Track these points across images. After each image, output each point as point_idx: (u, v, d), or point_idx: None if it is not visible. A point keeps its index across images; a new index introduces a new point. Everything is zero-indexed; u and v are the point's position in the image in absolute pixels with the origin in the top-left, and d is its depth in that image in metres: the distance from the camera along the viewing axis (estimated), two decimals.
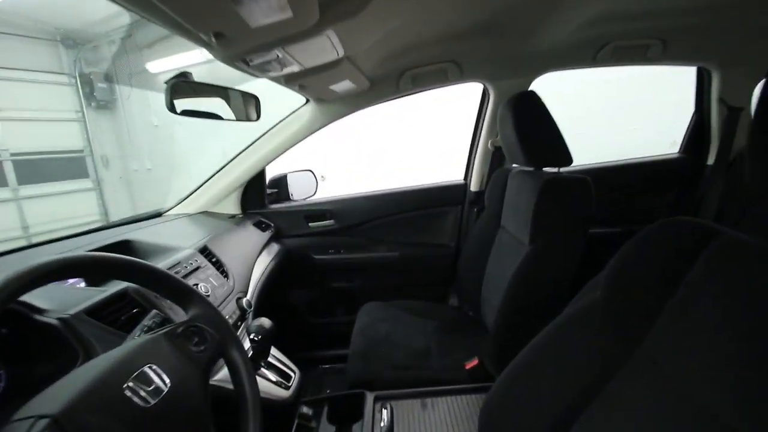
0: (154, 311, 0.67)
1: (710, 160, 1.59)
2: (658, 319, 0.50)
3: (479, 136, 1.67)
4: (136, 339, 0.55)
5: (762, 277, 0.41)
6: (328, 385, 1.60)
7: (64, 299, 0.70)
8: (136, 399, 0.46)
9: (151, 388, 0.48)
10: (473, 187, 1.71)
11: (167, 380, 0.51)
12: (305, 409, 1.07)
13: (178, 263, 0.96)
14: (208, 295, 0.94)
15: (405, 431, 0.95)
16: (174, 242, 1.12)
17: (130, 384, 0.46)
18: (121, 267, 0.55)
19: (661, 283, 0.51)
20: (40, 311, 0.65)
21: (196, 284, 0.93)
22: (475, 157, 1.70)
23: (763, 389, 0.37)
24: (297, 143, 1.57)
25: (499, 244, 1.38)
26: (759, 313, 0.40)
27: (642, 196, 1.68)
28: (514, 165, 1.44)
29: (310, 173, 1.91)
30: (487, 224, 1.46)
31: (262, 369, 0.94)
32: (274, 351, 1.03)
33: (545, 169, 1.14)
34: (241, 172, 1.58)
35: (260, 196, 1.72)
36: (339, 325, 1.76)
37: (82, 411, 0.41)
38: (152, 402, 0.47)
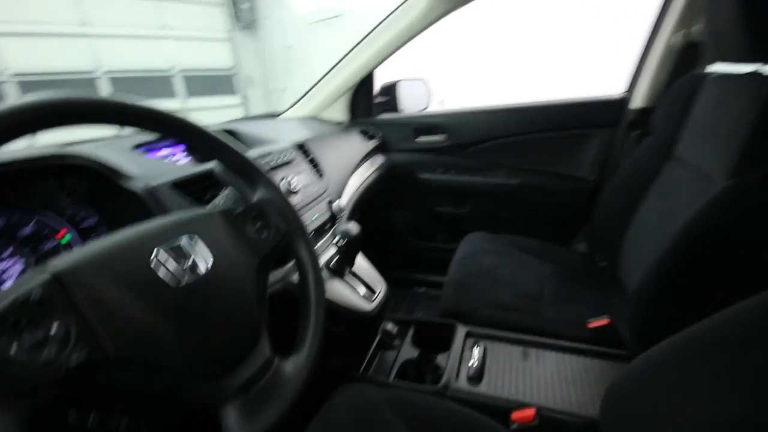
0: (230, 188, 0.60)
1: None
2: None
3: (659, 30, 1.19)
4: (183, 210, 0.48)
5: None
6: (421, 308, 1.53)
7: (155, 170, 0.69)
8: (162, 273, 0.38)
9: (186, 264, 0.40)
10: (637, 102, 1.27)
11: (210, 259, 0.43)
12: (390, 326, 1.00)
13: (270, 153, 0.90)
14: (296, 191, 0.87)
15: (498, 378, 0.80)
16: (274, 136, 1.07)
17: (160, 255, 0.39)
18: (172, 125, 0.47)
19: None
20: (128, 178, 0.64)
21: (284, 178, 0.86)
22: (646, 60, 1.24)
23: None
24: (410, 40, 1.34)
25: (668, 180, 1.01)
26: None
27: None
28: (712, 68, 0.99)
29: (423, 83, 1.68)
30: (652, 153, 1.07)
31: (347, 277, 0.87)
32: (362, 262, 0.95)
33: None
34: (347, 75, 1.44)
35: (368, 104, 1.58)
36: (439, 251, 1.63)
37: (92, 274, 0.34)
38: (183, 281, 0.39)
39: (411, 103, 1.66)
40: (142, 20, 5.65)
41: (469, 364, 0.83)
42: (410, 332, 0.99)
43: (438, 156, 1.56)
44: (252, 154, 0.86)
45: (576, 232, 1.49)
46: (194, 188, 0.68)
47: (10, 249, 0.55)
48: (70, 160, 0.60)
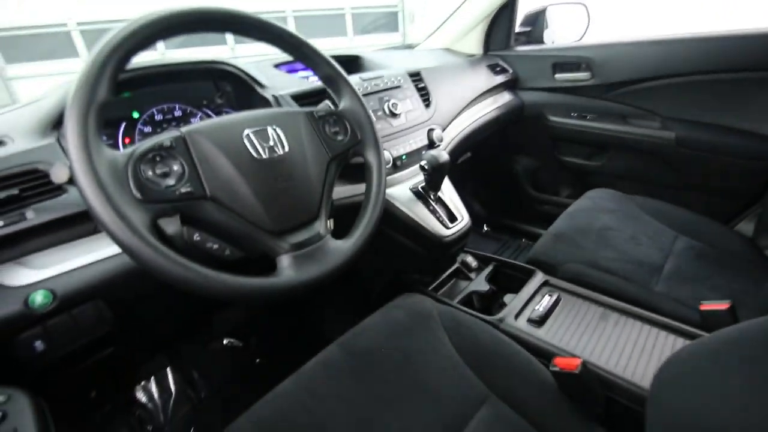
0: (326, 102, 0.71)
1: None
2: None
3: None
4: (277, 108, 0.60)
5: None
6: (515, 255, 1.49)
7: (284, 83, 0.84)
8: (249, 146, 0.51)
9: (267, 144, 0.52)
10: None
11: (286, 145, 0.54)
12: (470, 259, 1.03)
13: (380, 77, 0.96)
14: (398, 114, 0.93)
15: (560, 328, 0.77)
16: (395, 64, 1.13)
17: (249, 133, 0.52)
18: (275, 34, 0.57)
19: None
20: (262, 86, 0.81)
21: (388, 100, 0.92)
22: None
23: None
24: None
25: None
26: None
27: None
28: None
29: (583, 7, 1.43)
30: None
31: (431, 201, 0.91)
32: (450, 192, 0.98)
33: None
34: (483, 3, 1.35)
35: (506, 34, 1.46)
36: (559, 205, 1.50)
37: (203, 137, 0.49)
38: (263, 156, 0.52)
39: (562, 33, 1.46)
40: None
41: (535, 308, 0.81)
42: (488, 269, 1.00)
43: (575, 97, 1.37)
44: (364, 76, 0.95)
45: (743, 210, 1.16)
46: (310, 99, 0.81)
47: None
48: (223, 67, 0.79)
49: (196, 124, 0.51)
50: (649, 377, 0.50)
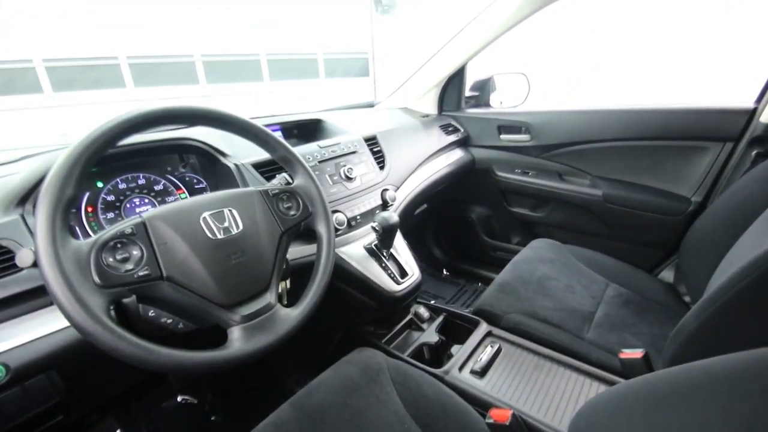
0: (282, 176, 0.79)
1: None
2: None
3: None
4: (234, 189, 0.67)
5: None
6: (474, 303, 1.57)
7: (245, 152, 0.91)
8: (205, 228, 0.57)
9: (222, 225, 0.58)
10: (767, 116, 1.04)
11: (240, 224, 0.60)
12: (422, 310, 1.10)
13: (337, 144, 1.06)
14: (353, 178, 1.02)
15: (499, 378, 0.84)
16: (352, 128, 1.23)
17: (206, 216, 0.58)
18: (233, 123, 0.65)
19: None
20: (225, 155, 0.87)
21: (344, 165, 1.01)
22: None
23: None
24: (503, 33, 1.31)
25: None
26: None
27: None
28: None
29: (524, 77, 1.62)
30: None
31: (383, 258, 0.99)
32: (402, 249, 1.06)
33: None
34: (438, 68, 1.50)
35: (457, 98, 1.62)
36: (509, 252, 1.62)
37: (161, 221, 0.54)
38: (218, 236, 0.57)
39: (502, 98, 1.63)
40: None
41: (478, 358, 0.88)
42: (438, 320, 1.06)
43: (519, 156, 1.53)
44: (322, 143, 1.04)
45: (664, 259, 1.31)
46: (268, 168, 0.89)
47: (147, 198, 0.83)
48: (186, 141, 0.85)
49: (157, 209, 0.56)
50: (567, 421, 0.57)
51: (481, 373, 0.85)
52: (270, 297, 0.61)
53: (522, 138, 1.49)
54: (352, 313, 1.04)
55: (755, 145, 1.06)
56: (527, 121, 1.46)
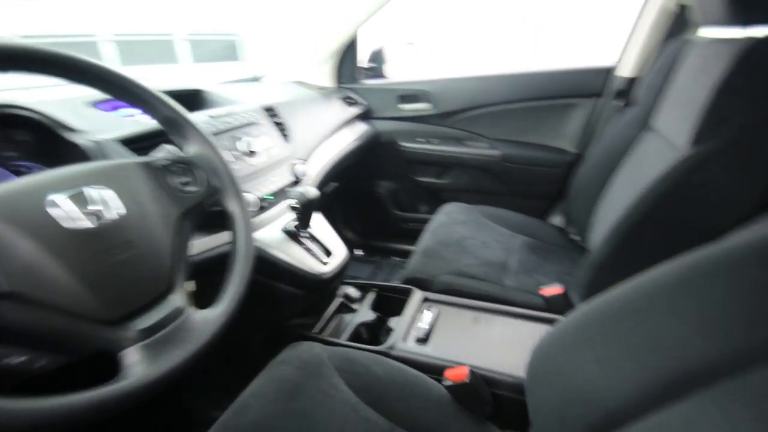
0: (165, 147, 0.60)
1: None
2: None
3: None
4: (97, 162, 0.49)
5: None
6: (396, 277, 1.56)
7: (106, 125, 0.69)
8: (56, 216, 0.39)
9: (87, 209, 0.41)
10: (624, 71, 1.22)
11: (121, 206, 0.44)
12: (351, 291, 1.03)
13: (231, 114, 0.89)
14: (256, 153, 0.88)
15: (444, 340, 0.82)
16: (244, 98, 1.07)
17: (55, 199, 0.40)
18: (95, 74, 0.47)
19: None
20: (73, 131, 0.65)
21: (240, 138, 0.86)
22: (638, 26, 1.18)
23: None
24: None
25: (641, 152, 0.99)
26: None
27: None
28: (699, 34, 0.94)
29: (410, 48, 1.63)
30: (630, 125, 1.05)
31: (304, 239, 0.88)
32: (322, 226, 0.96)
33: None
34: (329, 38, 1.41)
35: (352, 69, 1.55)
36: (420, 222, 1.64)
37: None
38: (83, 225, 0.40)
39: (397, 69, 1.62)
40: None
41: (418, 326, 0.85)
42: (370, 297, 1.01)
43: (421, 125, 1.54)
44: (212, 113, 0.86)
45: (554, 206, 1.48)
46: (144, 144, 0.69)
47: None
48: (10, 110, 0.61)
49: None
50: (523, 366, 0.57)
51: (426, 338, 0.82)
52: (177, 299, 0.47)
53: (423, 106, 1.50)
54: (276, 308, 0.91)
55: (617, 98, 1.23)
56: (426, 89, 1.47)
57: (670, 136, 0.86)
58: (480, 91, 1.42)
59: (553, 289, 0.91)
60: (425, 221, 1.30)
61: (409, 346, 0.81)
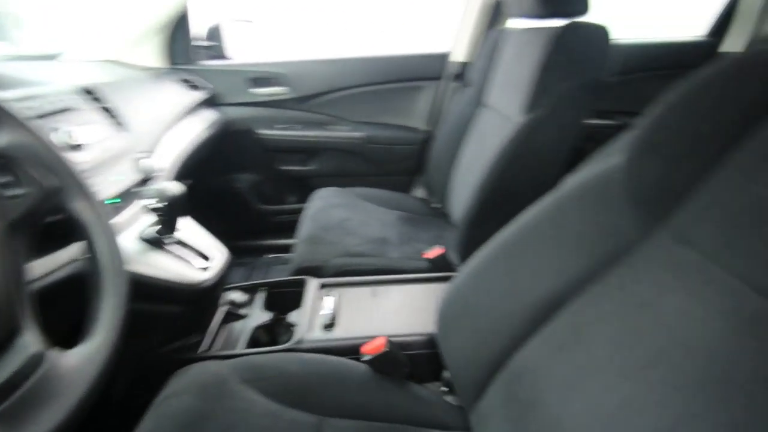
0: None
1: (732, 46, 1.35)
2: (705, 185, 0.37)
3: None
4: None
5: None
6: (275, 274, 1.47)
7: None
8: None
9: None
10: (458, 56, 1.41)
11: None
12: (237, 296, 0.92)
13: (35, 97, 0.66)
14: (81, 146, 0.67)
15: (351, 320, 0.82)
16: (47, 79, 0.81)
17: None
18: None
19: (722, 134, 0.37)
20: None
21: (56, 129, 0.65)
22: (465, 17, 1.36)
23: None
24: None
25: (480, 126, 1.16)
26: None
27: (652, 83, 1.43)
28: (509, 25, 1.15)
29: (253, 27, 1.51)
30: (468, 103, 1.22)
31: (170, 247, 0.73)
32: (192, 228, 0.82)
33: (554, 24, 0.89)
34: (149, 10, 1.18)
35: (185, 47, 1.34)
36: (289, 213, 1.57)
37: None
38: None
39: (242, 49, 1.48)
40: None
41: (321, 314, 0.82)
42: (260, 297, 0.92)
43: (279, 110, 1.45)
44: (9, 95, 0.63)
45: (415, 180, 1.62)
46: None
47: None
48: None
49: None
50: (431, 322, 0.62)
51: (333, 323, 0.80)
52: (30, 342, 0.33)
53: (279, 90, 1.41)
54: (147, 335, 0.74)
55: (455, 80, 1.41)
56: (281, 71, 1.39)
57: (503, 109, 1.03)
58: (337, 74, 1.42)
59: (434, 251, 1.00)
60: (297, 212, 1.26)
61: (317, 336, 0.78)
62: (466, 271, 0.60)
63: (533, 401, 0.44)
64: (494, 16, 1.32)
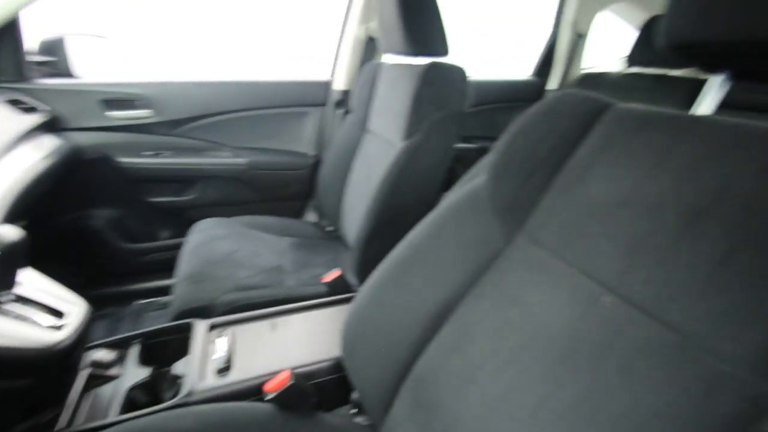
0: None
1: (552, 85, 1.72)
2: (547, 196, 0.48)
3: (347, 22, 1.41)
4: None
5: (657, 143, 0.40)
6: (150, 322, 1.28)
7: None
8: None
9: None
10: (339, 85, 1.47)
11: None
12: (101, 354, 0.77)
13: None
14: None
15: (249, 359, 0.76)
16: None
17: None
18: None
19: (553, 155, 0.48)
20: None
21: None
22: (341, 48, 1.44)
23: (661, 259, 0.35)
24: None
25: (365, 150, 1.23)
26: (655, 179, 0.38)
27: (499, 113, 1.73)
28: (384, 60, 1.26)
29: (104, 41, 1.34)
30: (353, 129, 1.28)
31: (8, 305, 0.58)
32: (36, 279, 0.67)
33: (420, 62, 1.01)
34: None
35: (16, 63, 1.11)
36: (163, 249, 1.40)
37: None
38: None
39: (90, 67, 1.28)
40: None
41: (214, 358, 0.74)
42: (133, 352, 0.79)
43: (143, 135, 1.30)
44: None
45: (305, 205, 1.61)
46: None
47: None
48: None
49: None
50: (335, 346, 0.62)
51: (228, 366, 0.73)
52: None
53: (141, 113, 1.26)
54: None
55: (338, 107, 1.46)
56: (142, 93, 1.24)
57: (385, 135, 1.12)
58: (212, 97, 1.34)
59: (332, 275, 1.00)
60: (172, 248, 1.14)
61: (211, 383, 0.70)
62: (365, 290, 0.62)
63: (435, 403, 0.48)
64: (368, 49, 1.43)
